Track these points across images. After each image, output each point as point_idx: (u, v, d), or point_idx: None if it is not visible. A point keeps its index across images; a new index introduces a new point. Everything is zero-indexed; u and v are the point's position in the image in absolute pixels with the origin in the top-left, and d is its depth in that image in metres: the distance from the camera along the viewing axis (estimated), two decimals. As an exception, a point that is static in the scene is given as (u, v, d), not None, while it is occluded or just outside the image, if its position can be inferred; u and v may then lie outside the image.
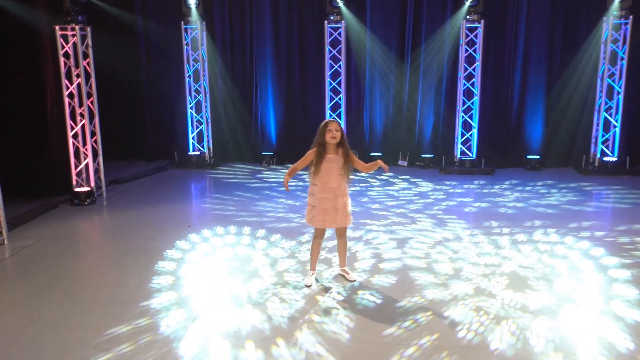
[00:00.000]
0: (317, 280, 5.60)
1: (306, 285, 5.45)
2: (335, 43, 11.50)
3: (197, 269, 6.05)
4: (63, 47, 8.95)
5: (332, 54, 11.52)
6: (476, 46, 11.05)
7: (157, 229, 7.69)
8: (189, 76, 11.95)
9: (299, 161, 5.28)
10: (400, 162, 11.97)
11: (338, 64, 11.53)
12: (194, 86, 12.05)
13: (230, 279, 5.77)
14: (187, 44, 11.78)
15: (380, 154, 11.96)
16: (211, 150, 12.32)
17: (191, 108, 12.11)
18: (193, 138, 12.21)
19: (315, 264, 5.61)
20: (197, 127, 12.21)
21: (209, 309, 5.04)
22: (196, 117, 12.18)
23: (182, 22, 11.57)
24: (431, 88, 11.65)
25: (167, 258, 6.35)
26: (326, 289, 5.41)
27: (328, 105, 11.64)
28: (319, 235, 5.47)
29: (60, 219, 8.36)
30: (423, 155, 11.82)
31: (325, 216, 5.25)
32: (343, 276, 5.69)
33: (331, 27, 11.38)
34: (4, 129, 9.04)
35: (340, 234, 5.52)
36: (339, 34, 11.38)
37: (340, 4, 11.21)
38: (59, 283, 5.75)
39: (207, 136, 12.24)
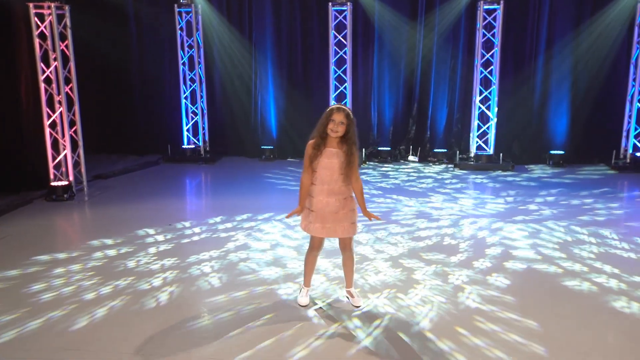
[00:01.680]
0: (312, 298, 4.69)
1: (300, 305, 4.54)
2: (340, 28, 10.57)
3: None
4: (38, 27, 8.15)
5: (337, 39, 10.59)
6: (495, 30, 10.06)
7: (133, 226, 6.84)
8: (183, 63, 11.09)
9: (304, 167, 4.32)
10: (410, 158, 11.02)
11: (343, 50, 10.60)
12: (189, 74, 11.19)
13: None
14: (181, 29, 10.92)
15: (388, 148, 11.04)
16: (207, 143, 11.46)
17: (185, 98, 11.26)
18: (187, 130, 11.36)
19: (310, 279, 4.64)
20: (192, 119, 11.35)
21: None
22: (191, 108, 11.32)
23: (175, 5, 10.71)
24: (445, 76, 10.68)
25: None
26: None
27: (332, 95, 10.72)
28: (316, 245, 4.46)
29: (32, 215, 7.56)
30: (436, 150, 10.85)
31: (325, 223, 4.28)
32: (347, 299, 4.69)
33: (336, 10, 10.45)
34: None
35: (345, 246, 4.46)
36: (345, 18, 10.45)
37: (348, -16, 10.30)
38: (8, 290, 4.91)
39: (203, 129, 11.38)
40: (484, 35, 10.11)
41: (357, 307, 4.55)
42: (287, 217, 4.44)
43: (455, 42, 10.53)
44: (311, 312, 4.44)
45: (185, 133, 11.33)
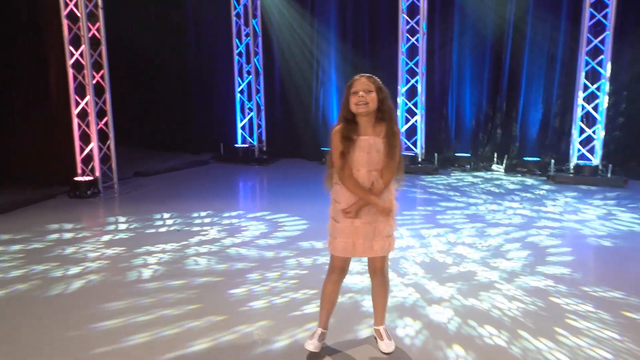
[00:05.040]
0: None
1: (307, 349, 3.18)
2: (414, 11, 9.03)
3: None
4: (67, 7, 7.48)
5: (409, 25, 9.06)
6: (607, 10, 8.02)
7: (142, 230, 5.85)
8: (239, 54, 10.10)
9: (334, 164, 3.08)
10: (494, 166, 9.19)
11: (416, 37, 9.04)
12: (246, 66, 10.18)
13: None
14: (237, 15, 9.96)
15: (468, 154, 9.28)
16: (263, 143, 10.38)
17: (241, 92, 10.26)
18: (242, 128, 10.35)
19: (327, 318, 3.27)
20: (249, 115, 10.33)
21: None
22: (247, 104, 10.30)
23: (231, -12, 9.79)
24: (540, 67, 8.74)
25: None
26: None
27: (402, 90, 9.19)
28: (337, 269, 3.18)
29: (42, 212, 6.85)
30: (526, 159, 8.92)
31: (351, 238, 3.06)
32: (375, 340, 3.36)
33: (408, -10, 8.95)
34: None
35: (376, 267, 3.21)
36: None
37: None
38: None
39: (259, 126, 10.32)
40: (593, 16, 8.09)
41: (386, 354, 3.22)
42: (346, 212, 3.03)
43: (556, 25, 8.56)
44: None
45: (239, 131, 10.33)
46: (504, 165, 9.13)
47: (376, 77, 3.04)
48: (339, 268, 3.18)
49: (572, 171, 8.36)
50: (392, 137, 3.01)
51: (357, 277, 4.32)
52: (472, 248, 5.16)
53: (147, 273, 4.53)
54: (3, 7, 7.60)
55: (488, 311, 3.75)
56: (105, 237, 5.58)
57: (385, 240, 3.10)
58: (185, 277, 4.42)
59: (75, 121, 7.72)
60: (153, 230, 5.82)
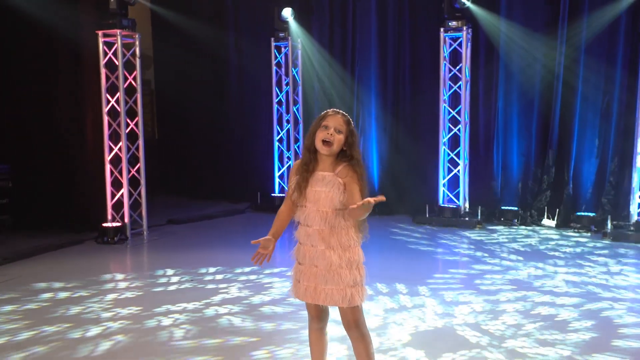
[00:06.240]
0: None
1: None
2: (457, 57, 8.68)
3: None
4: (106, 56, 7.63)
5: (452, 73, 8.70)
6: (668, 53, 7.40)
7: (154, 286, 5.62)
8: (279, 102, 10.03)
9: (287, 192, 3.08)
10: (545, 221, 8.47)
11: (458, 85, 8.65)
12: (285, 115, 10.07)
13: None
14: (277, 64, 9.94)
15: (515, 208, 8.62)
16: (300, 192, 10.11)
17: (279, 141, 10.12)
18: (279, 177, 10.15)
19: None
20: (287, 164, 10.14)
21: None
22: (286, 153, 10.13)
23: (272, 39, 9.77)
24: (595, 114, 8.09)
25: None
26: None
27: (443, 139, 8.73)
28: (312, 315, 3.02)
29: (64, 257, 6.82)
30: (580, 214, 8.17)
31: (313, 282, 2.88)
32: None
33: (450, 37, 8.62)
34: (40, 151, 8.00)
35: (347, 321, 2.92)
36: (460, 45, 8.55)
37: (468, 3, 8.42)
38: None
39: (297, 175, 10.09)
40: (651, 60, 7.47)
41: None
42: (253, 242, 2.91)
43: (610, 72, 7.95)
44: None
45: (277, 180, 10.14)
46: (555, 220, 8.39)
47: (351, 119, 2.88)
48: (313, 317, 3.01)
49: (632, 228, 7.54)
50: (359, 181, 2.81)
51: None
52: (514, 321, 4.51)
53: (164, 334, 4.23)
54: (45, 54, 7.85)
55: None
56: (112, 294, 5.29)
57: (340, 291, 2.81)
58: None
59: (108, 167, 7.75)
60: (166, 287, 5.57)
